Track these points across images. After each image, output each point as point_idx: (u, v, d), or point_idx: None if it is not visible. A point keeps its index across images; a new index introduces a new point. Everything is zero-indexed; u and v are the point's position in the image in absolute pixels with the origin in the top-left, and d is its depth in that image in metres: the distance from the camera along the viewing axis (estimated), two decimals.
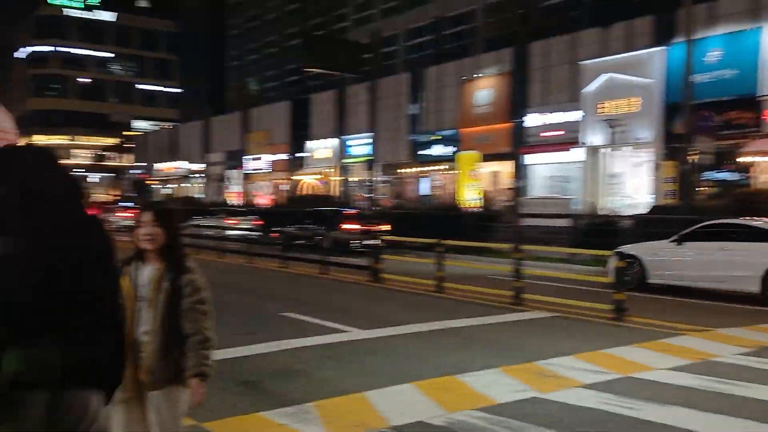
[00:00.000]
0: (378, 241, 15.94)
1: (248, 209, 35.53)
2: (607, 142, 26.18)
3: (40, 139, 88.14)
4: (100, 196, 75.78)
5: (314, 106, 43.85)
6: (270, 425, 5.25)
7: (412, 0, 41.97)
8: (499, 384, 6.29)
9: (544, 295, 11.43)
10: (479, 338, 8.49)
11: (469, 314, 10.34)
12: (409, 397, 5.90)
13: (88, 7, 71.76)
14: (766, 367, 7.09)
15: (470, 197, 26.06)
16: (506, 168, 32.13)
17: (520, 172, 30.89)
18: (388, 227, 22.56)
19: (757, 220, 12.83)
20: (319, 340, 8.33)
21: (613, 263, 11.16)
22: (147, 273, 3.30)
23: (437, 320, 9.70)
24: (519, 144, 30.56)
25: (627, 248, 13.04)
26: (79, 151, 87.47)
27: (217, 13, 65.86)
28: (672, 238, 13.07)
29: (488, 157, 30.84)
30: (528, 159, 30.76)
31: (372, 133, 30.59)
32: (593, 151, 27.10)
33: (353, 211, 25.62)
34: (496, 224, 24.02)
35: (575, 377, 6.53)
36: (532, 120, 30.11)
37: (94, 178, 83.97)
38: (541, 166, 30.84)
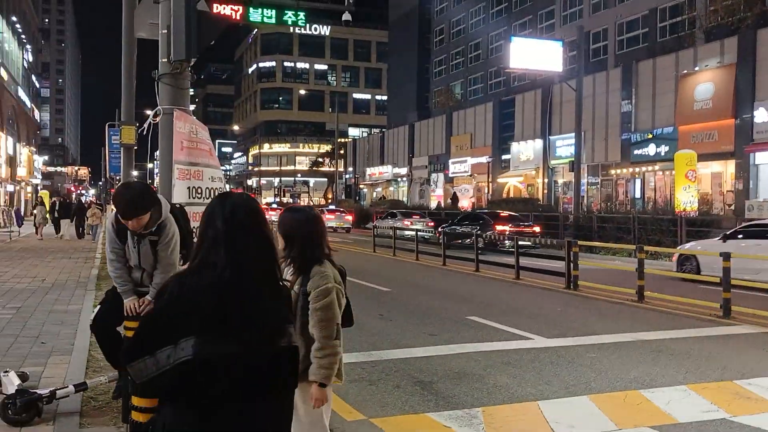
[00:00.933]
0: (529, 242, 17.28)
1: (422, 212, 37.54)
2: None
3: (268, 148, 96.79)
4: (314, 200, 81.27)
5: (518, 106, 43.32)
6: (436, 426, 5.32)
7: None
8: (684, 402, 5.80)
9: (760, 308, 10.31)
10: (672, 352, 7.87)
11: (667, 326, 9.62)
12: (582, 410, 5.66)
13: (288, 23, 76.96)
14: None
15: (686, 200, 24.15)
16: (728, 168, 29.36)
17: (746, 172, 28.05)
18: (538, 229, 24.58)
19: None
20: (500, 345, 8.25)
21: None
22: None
23: (630, 331, 9.15)
24: (744, 142, 27.77)
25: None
26: (300, 157, 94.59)
27: (422, 18, 67.53)
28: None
29: (708, 157, 28.39)
30: (757, 158, 27.83)
31: (580, 133, 29.49)
32: None
33: (506, 214, 27.14)
34: (713, 230, 22.07)
35: None
36: (761, 114, 27.20)
37: (310, 182, 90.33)
38: None
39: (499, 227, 23.92)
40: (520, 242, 17.40)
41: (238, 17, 5.17)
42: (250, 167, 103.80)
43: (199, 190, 5.22)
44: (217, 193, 5.55)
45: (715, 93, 29.27)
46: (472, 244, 18.95)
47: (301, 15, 5.49)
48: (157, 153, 5.58)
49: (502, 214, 26.82)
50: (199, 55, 5.18)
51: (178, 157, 5.02)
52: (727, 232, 15.54)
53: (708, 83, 29.69)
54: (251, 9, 5.17)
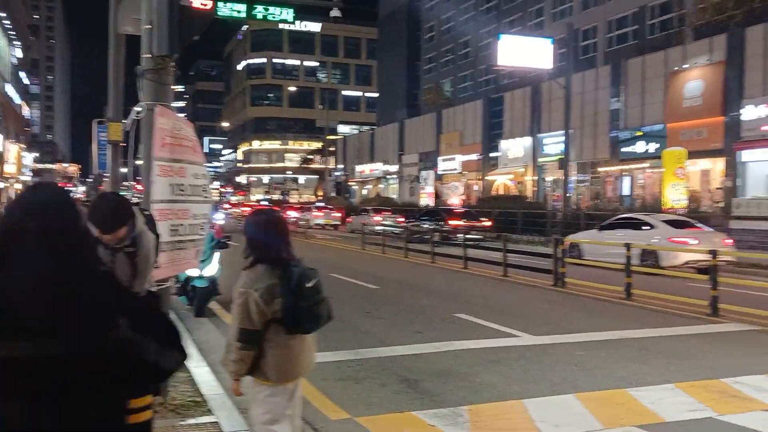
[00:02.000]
0: (480, 236, 20.12)
1: (393, 208, 38.57)
2: None
3: (258, 145, 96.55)
4: (303, 197, 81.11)
5: (507, 104, 43.35)
6: (421, 425, 5.28)
7: None
8: (671, 401, 5.79)
9: (748, 306, 10.34)
10: (659, 350, 7.87)
11: (655, 324, 9.63)
12: (567, 409, 5.63)
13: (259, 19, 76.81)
14: None
15: (674, 198, 24.22)
16: (717, 166, 29.50)
17: (734, 169, 28.20)
18: (489, 224, 26.84)
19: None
20: (487, 343, 8.22)
21: None
22: None
23: (617, 329, 9.15)
24: (733, 139, 27.90)
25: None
26: (290, 154, 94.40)
27: (412, 16, 67.46)
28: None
29: (697, 154, 28.49)
30: (744, 156, 27.97)
31: (569, 131, 29.55)
32: None
33: (460, 210, 29.82)
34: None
35: (765, 400, 5.82)
36: (749, 112, 27.32)
37: (300, 179, 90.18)
38: (760, 163, 27.89)
39: (452, 222, 26.34)
40: (473, 235, 20.49)
41: (207, 11, 5.10)
42: (239, 164, 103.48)
43: (182, 187, 5.15)
44: (201, 191, 5.49)
45: (704, 90, 29.38)
46: (430, 237, 20.77)
47: (273, 10, 5.42)
48: (141, 149, 5.50)
49: (456, 211, 29.84)
50: (181, 51, 5.12)
51: (158, 153, 4.95)
52: (603, 224, 18.97)
53: (697, 81, 29.80)
54: (220, 3, 5.10)
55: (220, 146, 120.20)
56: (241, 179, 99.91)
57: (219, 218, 22.66)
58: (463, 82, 56.49)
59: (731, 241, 17.44)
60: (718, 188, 29.19)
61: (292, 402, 3.83)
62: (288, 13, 5.54)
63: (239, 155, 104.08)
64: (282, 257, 3.65)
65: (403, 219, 32.41)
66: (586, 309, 11.10)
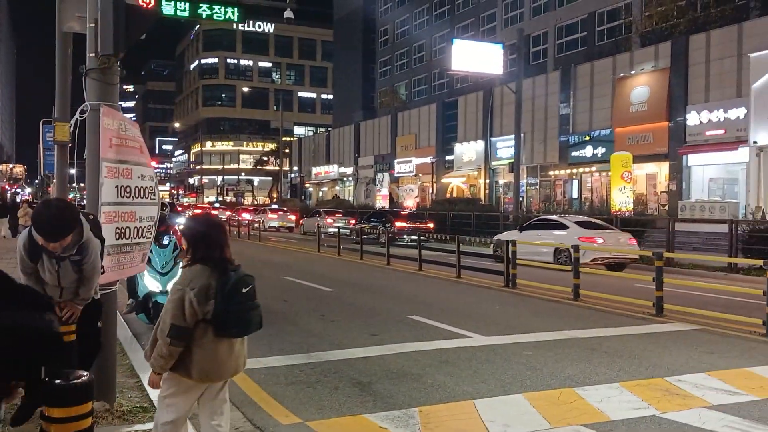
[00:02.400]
0: (423, 237, 20.65)
1: (346, 210, 38.95)
2: None
3: (211, 146, 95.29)
4: (258, 199, 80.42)
5: (461, 108, 43.77)
6: (372, 428, 5.29)
7: None
8: (616, 399, 5.93)
9: (691, 306, 10.66)
10: (606, 350, 8.05)
11: (602, 324, 9.84)
12: (517, 409, 5.72)
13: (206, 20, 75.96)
14: None
15: (621, 201, 24.81)
16: (663, 170, 30.32)
17: (679, 173, 29.03)
18: (431, 225, 27.96)
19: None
20: (439, 344, 8.28)
21: None
22: None
23: (565, 329, 9.32)
24: (677, 144, 28.71)
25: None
26: (243, 156, 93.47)
27: (367, 19, 67.58)
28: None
29: (644, 158, 29.26)
30: (689, 160, 28.83)
31: (519, 135, 30.01)
32: (763, 150, 24.85)
33: (405, 212, 31.49)
34: (648, 229, 22.75)
35: (704, 397, 6.01)
36: (692, 118, 28.17)
37: (255, 181, 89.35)
38: (703, 167, 28.79)
39: (398, 224, 27.49)
40: (416, 236, 21.53)
41: (150, 9, 5.02)
42: (191, 165, 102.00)
43: (128, 189, 5.05)
44: (148, 192, 5.39)
45: (650, 96, 30.17)
46: (377, 238, 21.84)
47: (218, 9, 5.37)
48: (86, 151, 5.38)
49: (401, 213, 31.32)
50: (127, 50, 5.02)
51: (106, 154, 4.85)
52: (523, 225, 20.99)
53: (643, 87, 30.58)
54: (164, 1, 5.03)
55: (170, 147, 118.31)
56: (193, 181, 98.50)
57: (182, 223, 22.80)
58: (418, 85, 56.85)
59: (635, 240, 18.94)
60: (663, 191, 29.99)
61: (213, 404, 3.92)
62: (234, 13, 5.50)
63: (191, 156, 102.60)
64: (221, 260, 3.73)
65: (355, 221, 32.59)
66: (536, 309, 11.28)
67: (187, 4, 5.13)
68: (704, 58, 28.10)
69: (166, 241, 8.91)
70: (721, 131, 26.79)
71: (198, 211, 51.52)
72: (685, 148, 28.40)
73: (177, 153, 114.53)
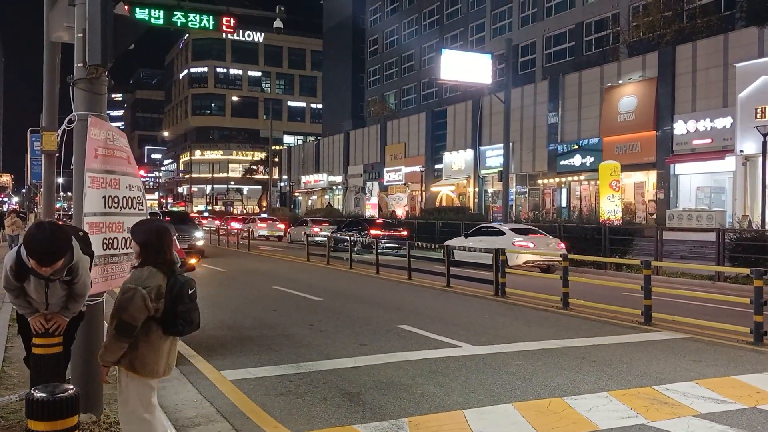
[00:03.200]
0: (396, 244, 23.14)
1: (333, 219, 38.88)
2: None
3: (200, 155, 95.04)
4: (248, 208, 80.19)
5: (450, 117, 43.92)
6: None
7: (550, 7, 41.02)
8: (605, 409, 5.94)
9: (679, 314, 10.70)
10: (595, 359, 8.07)
11: (591, 333, 9.87)
12: (506, 418, 5.71)
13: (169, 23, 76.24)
14: None
15: (609, 209, 24.94)
16: (650, 178, 30.51)
17: (666, 182, 29.22)
18: (406, 233, 28.51)
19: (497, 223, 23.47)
20: (428, 354, 8.27)
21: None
22: None
23: (555, 338, 9.34)
24: (665, 153, 28.91)
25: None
26: (233, 165, 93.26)
27: (356, 29, 67.78)
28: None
29: (632, 167, 29.46)
30: (676, 169, 29.03)
31: (508, 144, 30.14)
32: (749, 159, 25.07)
33: (380, 221, 32.16)
34: (636, 238, 22.85)
35: (692, 405, 6.03)
36: (679, 127, 28.39)
37: (244, 190, 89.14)
38: (688, 176, 29.01)
39: (373, 232, 28.01)
40: (391, 244, 24.18)
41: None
42: (180, 174, 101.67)
43: (116, 200, 5.03)
44: (136, 203, 5.37)
45: (637, 106, 30.39)
46: (353, 246, 22.46)
47: (192, 17, 5.37)
48: (73, 161, 5.35)
49: (377, 221, 32.02)
50: (115, 60, 5.01)
51: (90, 165, 4.82)
52: (467, 232, 22.59)
53: (631, 96, 30.81)
54: (138, 8, 5.03)
55: (159, 156, 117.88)
56: (182, 190, 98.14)
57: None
58: (408, 94, 57.02)
59: (564, 245, 20.38)
60: (651, 200, 30.17)
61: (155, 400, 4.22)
62: (209, 20, 5.50)
63: (180, 165, 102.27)
64: (170, 263, 4.05)
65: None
66: (525, 319, 11.29)
67: (161, 11, 5.14)
68: (691, 68, 28.36)
69: None
70: (708, 140, 27.02)
71: None
72: (672, 157, 28.61)
73: (166, 162, 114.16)
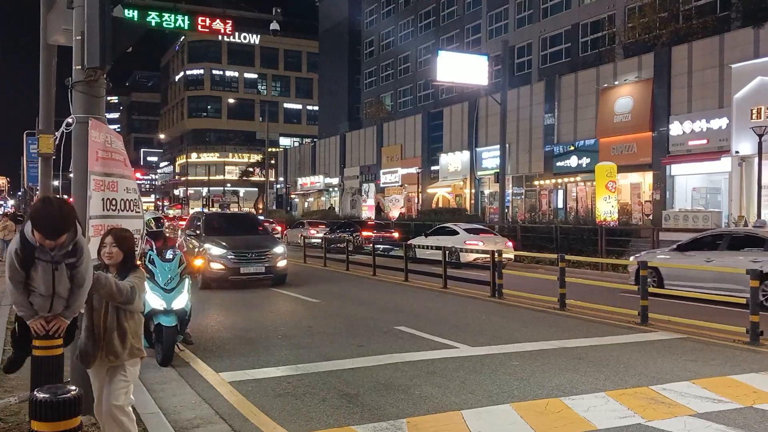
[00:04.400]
0: (389, 246, 23.97)
1: (330, 221, 38.77)
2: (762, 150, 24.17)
3: (196, 157, 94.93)
4: (244, 210, 79.99)
5: (446, 119, 43.97)
6: None
7: (547, 8, 41.11)
8: (602, 409, 5.97)
9: (676, 315, 10.74)
10: (593, 359, 8.10)
11: (588, 333, 9.90)
12: (504, 419, 5.74)
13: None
14: None
15: (606, 210, 24.99)
16: (647, 179, 30.57)
17: (662, 183, 29.29)
18: (397, 234, 28.60)
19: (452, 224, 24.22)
20: (426, 355, 8.29)
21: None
22: None
23: (552, 339, 9.37)
24: (661, 154, 28.98)
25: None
26: (229, 167, 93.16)
27: (352, 31, 67.84)
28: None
29: (628, 168, 29.51)
30: (672, 170, 29.10)
31: (505, 145, 30.20)
32: (745, 160, 25.14)
33: (372, 222, 32.50)
34: (633, 238, 22.92)
35: (689, 405, 6.06)
36: (675, 128, 28.47)
37: (241, 192, 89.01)
38: (684, 177, 29.08)
39: (365, 233, 28.37)
40: (383, 245, 24.50)
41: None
42: (177, 177, 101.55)
43: (114, 202, 5.04)
44: (133, 205, 5.38)
45: (633, 107, 30.46)
46: (345, 247, 22.47)
47: (167, 17, 5.39)
48: (72, 164, 5.37)
49: (368, 223, 32.29)
50: (113, 63, 5.02)
51: (93, 167, 4.84)
52: (427, 231, 24.23)
53: (627, 97, 30.89)
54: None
55: (155, 158, 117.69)
56: (179, 192, 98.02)
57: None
58: (404, 96, 57.07)
59: (512, 243, 22.12)
60: (647, 201, 30.23)
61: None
62: (184, 21, 5.52)
63: (177, 168, 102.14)
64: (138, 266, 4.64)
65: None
66: (523, 319, 11.32)
67: (135, 11, 5.16)
68: (687, 69, 28.44)
69: (170, 255, 8.15)
70: (704, 141, 27.09)
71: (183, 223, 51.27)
72: (668, 158, 28.68)
73: (162, 164, 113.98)
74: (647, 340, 9.47)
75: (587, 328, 10.39)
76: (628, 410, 5.92)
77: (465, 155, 41.29)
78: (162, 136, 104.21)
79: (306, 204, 65.28)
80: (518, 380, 7.06)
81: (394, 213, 42.66)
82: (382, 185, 49.95)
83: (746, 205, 24.79)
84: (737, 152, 25.06)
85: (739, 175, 25.31)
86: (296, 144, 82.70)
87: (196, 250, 15.62)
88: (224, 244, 15.48)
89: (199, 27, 5.86)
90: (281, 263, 15.94)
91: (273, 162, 70.40)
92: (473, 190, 40.90)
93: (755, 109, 24.10)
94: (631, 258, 16.52)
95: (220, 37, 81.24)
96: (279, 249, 16.11)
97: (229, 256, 15.20)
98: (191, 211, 76.72)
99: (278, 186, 70.55)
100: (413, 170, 45.71)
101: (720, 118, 26.32)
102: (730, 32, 27.89)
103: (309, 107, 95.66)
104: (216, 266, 15.10)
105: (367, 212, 46.00)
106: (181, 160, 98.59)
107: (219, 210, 61.85)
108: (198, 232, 16.77)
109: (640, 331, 10.12)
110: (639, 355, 8.41)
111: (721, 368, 7.59)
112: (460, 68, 33.17)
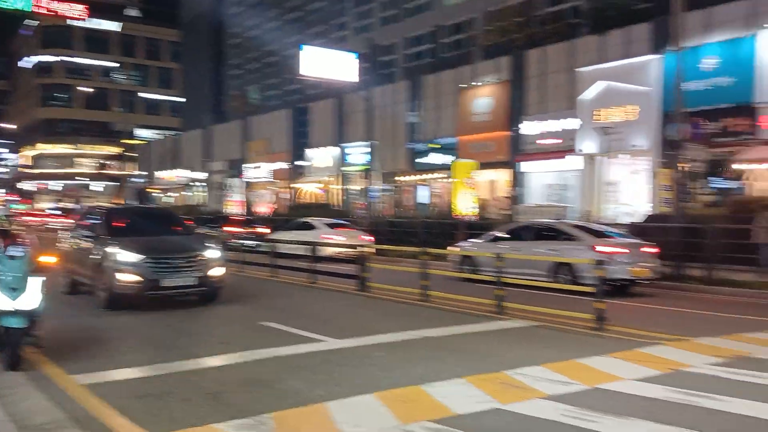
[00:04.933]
0: (254, 242, 22.80)
1: (196, 217, 37.87)
2: (603, 149, 26.11)
3: (45, 148, 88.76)
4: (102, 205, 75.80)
5: (313, 114, 43.94)
6: None
7: (411, 9, 42.06)
8: (461, 394, 6.23)
9: (529, 304, 11.37)
10: (453, 348, 8.43)
11: (449, 323, 10.29)
12: (367, 408, 5.85)
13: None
14: (737, 378, 7.00)
15: (466, 206, 26.00)
16: (504, 176, 32.10)
17: (517, 180, 30.87)
18: (267, 230, 27.09)
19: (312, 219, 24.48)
20: (292, 350, 8.28)
21: None
22: None
23: (416, 329, 9.64)
24: (518, 152, 30.52)
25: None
26: (84, 159, 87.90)
27: (217, 21, 66.09)
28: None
29: (486, 165, 30.81)
30: (525, 167, 30.74)
31: (371, 142, 30.62)
32: (590, 158, 27.04)
33: (236, 217, 32.31)
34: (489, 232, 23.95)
35: (540, 388, 6.46)
36: (528, 128, 30.09)
37: (97, 186, 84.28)
38: (539, 174, 30.82)
39: (228, 228, 28.10)
40: (247, 241, 23.54)
41: None
42: (26, 170, 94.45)
43: None
44: None
45: (491, 107, 31.89)
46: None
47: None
48: None
49: (233, 218, 32.28)
50: None
51: None
52: (286, 225, 25.11)
53: (486, 98, 32.28)
54: None
55: (7, 150, 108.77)
56: (28, 186, 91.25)
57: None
58: (270, 90, 56.38)
59: (370, 238, 22.30)
60: (505, 197, 31.77)
61: None
62: (22, 2, 5.22)
63: (27, 160, 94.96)
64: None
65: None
66: (387, 311, 11.58)
67: None
68: (538, 72, 30.12)
69: (16, 252, 7.53)
70: (559, 141, 28.82)
71: (31, 218, 47.83)
72: (520, 156, 30.28)
73: (9, 156, 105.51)
74: (504, 328, 9.99)
75: (449, 318, 10.79)
76: (485, 395, 6.22)
77: (333, 151, 41.46)
78: (11, 126, 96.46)
79: (170, 199, 62.87)
80: (383, 370, 7.22)
81: (262, 208, 42.10)
82: (248, 180, 49.11)
83: (596, 199, 26.69)
84: (581, 150, 26.90)
85: (588, 172, 27.19)
86: (158, 136, 79.41)
87: (94, 256, 11.92)
88: (137, 247, 11.54)
89: (36, 9, 5.46)
90: (217, 272, 12.15)
91: (134, 155, 67.32)
92: (342, 186, 41.16)
93: (597, 111, 25.99)
94: (449, 248, 17.69)
95: (75, 23, 76.39)
96: (213, 253, 12.25)
97: (146, 264, 11.30)
98: (45, 207, 71.62)
99: (135, 180, 67.53)
100: (282, 165, 45.31)
101: (573, 119, 28.10)
102: (578, 38, 29.82)
103: (170, 98, 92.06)
104: (126, 278, 11.26)
105: (236, 207, 45.05)
106: (30, 152, 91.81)
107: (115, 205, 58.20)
108: (96, 232, 12.55)
109: (497, 320, 10.65)
110: (496, 342, 8.86)
111: (571, 353, 8.13)
112: (327, 64, 33.17)
